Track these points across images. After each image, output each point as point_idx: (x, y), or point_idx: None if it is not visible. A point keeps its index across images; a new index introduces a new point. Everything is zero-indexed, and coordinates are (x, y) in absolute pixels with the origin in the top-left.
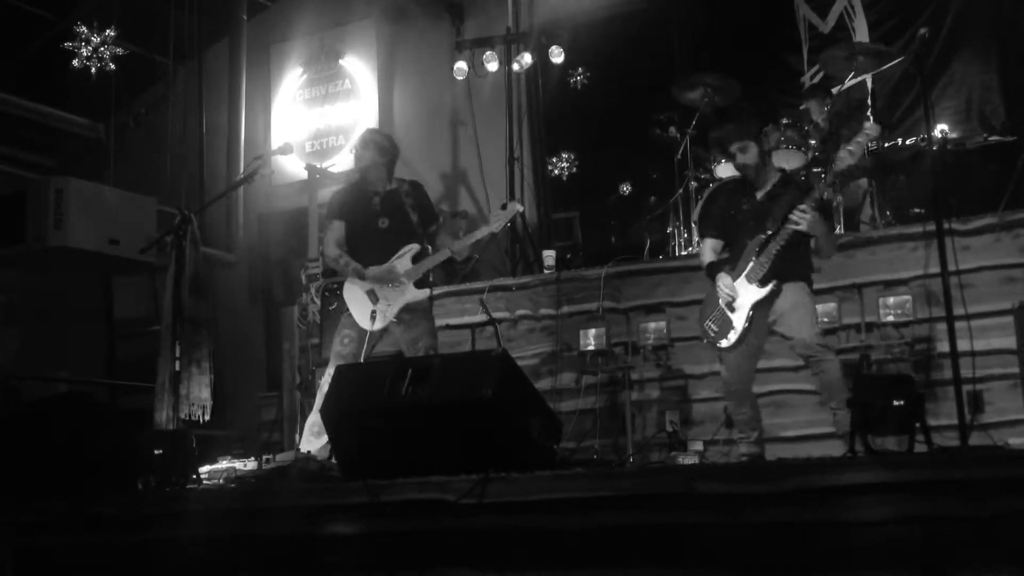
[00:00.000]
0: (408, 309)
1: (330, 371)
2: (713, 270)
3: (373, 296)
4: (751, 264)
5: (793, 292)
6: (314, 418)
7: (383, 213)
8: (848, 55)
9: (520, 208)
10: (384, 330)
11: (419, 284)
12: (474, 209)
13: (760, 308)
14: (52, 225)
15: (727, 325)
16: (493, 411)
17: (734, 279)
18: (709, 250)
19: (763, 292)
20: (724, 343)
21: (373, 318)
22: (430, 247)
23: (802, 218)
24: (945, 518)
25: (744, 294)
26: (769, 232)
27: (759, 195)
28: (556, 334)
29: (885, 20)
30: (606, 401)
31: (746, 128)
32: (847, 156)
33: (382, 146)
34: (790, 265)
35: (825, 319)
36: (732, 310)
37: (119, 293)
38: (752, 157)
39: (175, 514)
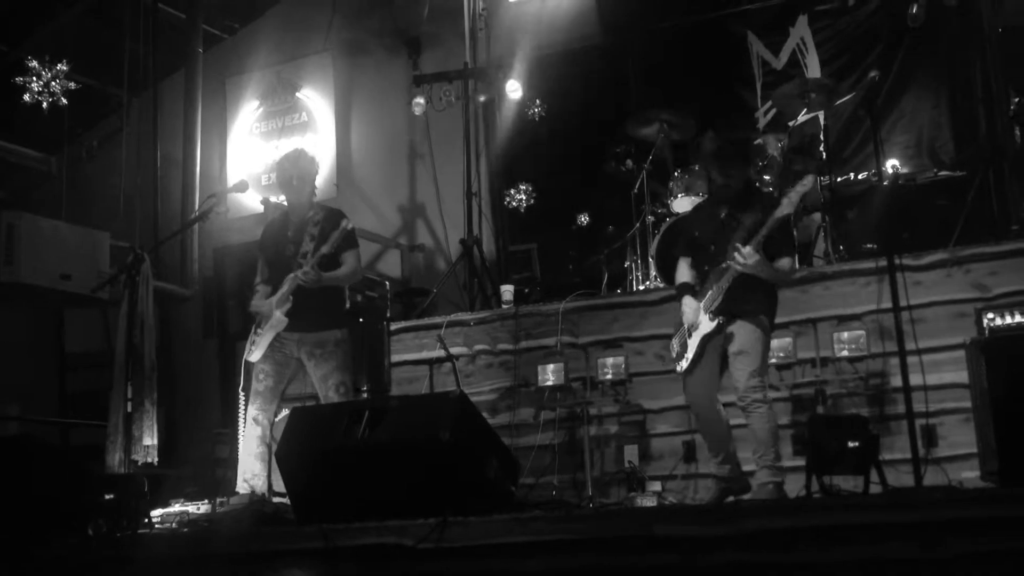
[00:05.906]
0: (318, 343)
1: (249, 412)
2: (683, 291)
3: (258, 328)
4: (710, 293)
5: (743, 335)
6: (245, 464)
7: (291, 240)
8: (800, 92)
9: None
10: (300, 366)
11: (331, 318)
12: (432, 242)
13: (712, 340)
14: (3, 260)
15: (684, 349)
16: (450, 453)
17: (698, 303)
18: (683, 268)
19: (711, 326)
20: (678, 368)
21: (250, 350)
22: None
23: (741, 263)
24: (904, 560)
25: (700, 322)
26: (727, 264)
27: (722, 213)
28: (514, 369)
29: (838, 56)
30: (564, 436)
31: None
32: (786, 205)
33: (313, 176)
34: (742, 300)
35: (780, 354)
36: (690, 335)
37: (70, 325)
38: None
39: (125, 559)
